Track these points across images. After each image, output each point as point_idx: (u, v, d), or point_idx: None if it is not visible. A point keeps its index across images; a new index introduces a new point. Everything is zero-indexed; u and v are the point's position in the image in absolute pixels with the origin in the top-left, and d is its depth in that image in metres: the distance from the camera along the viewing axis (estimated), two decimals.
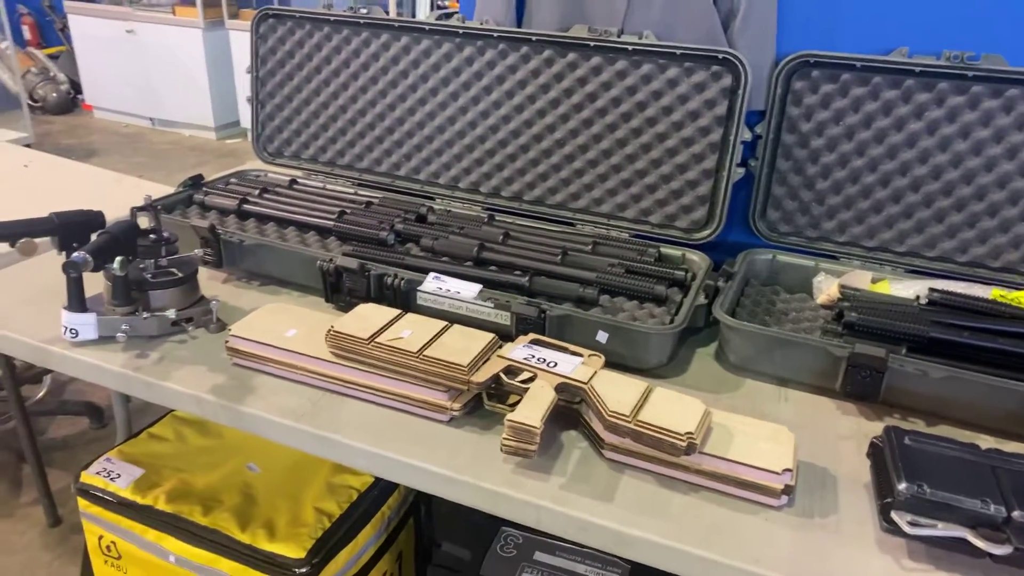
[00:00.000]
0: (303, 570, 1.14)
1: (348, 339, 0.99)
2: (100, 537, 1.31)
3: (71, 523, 1.73)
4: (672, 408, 0.88)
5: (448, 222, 1.41)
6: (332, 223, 1.38)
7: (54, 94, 5.57)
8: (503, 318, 1.13)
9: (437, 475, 0.89)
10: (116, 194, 1.83)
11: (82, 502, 1.30)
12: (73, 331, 1.08)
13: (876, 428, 1.00)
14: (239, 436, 1.42)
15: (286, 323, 1.08)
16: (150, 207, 1.14)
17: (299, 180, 1.60)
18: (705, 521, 0.83)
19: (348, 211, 1.43)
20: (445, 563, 1.14)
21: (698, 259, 1.29)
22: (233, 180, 1.58)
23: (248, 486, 1.30)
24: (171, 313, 1.12)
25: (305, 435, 0.96)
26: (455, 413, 0.96)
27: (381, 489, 1.31)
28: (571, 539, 0.85)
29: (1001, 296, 1.15)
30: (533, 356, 0.97)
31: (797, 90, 1.25)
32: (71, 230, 1.05)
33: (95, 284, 1.11)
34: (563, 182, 1.41)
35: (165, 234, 1.14)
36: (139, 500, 1.25)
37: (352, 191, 1.56)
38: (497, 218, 1.43)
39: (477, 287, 1.13)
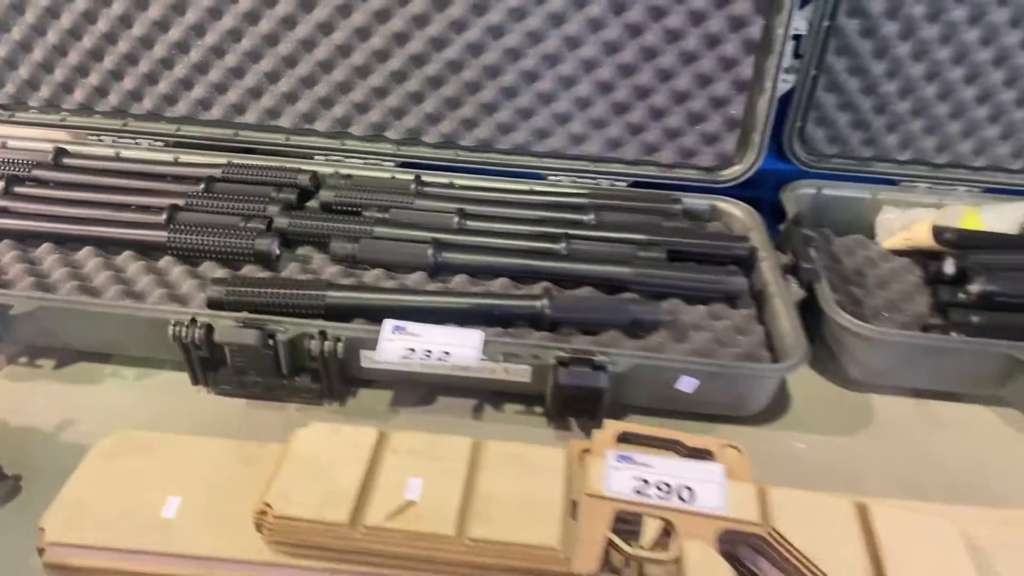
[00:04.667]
0: None
1: (311, 529, 0.52)
2: None
3: None
4: (917, 546, 0.53)
5: (355, 199, 0.89)
6: (162, 232, 0.81)
7: None
8: (517, 375, 0.70)
9: None
10: None
11: None
12: None
13: None
14: None
15: (151, 482, 0.58)
16: None
17: (69, 149, 0.96)
18: None
19: (181, 202, 0.86)
20: None
21: (740, 213, 0.92)
22: None
23: None
24: None
25: None
26: None
27: None
28: None
29: None
30: (647, 481, 0.56)
31: None
32: None
33: None
34: (522, 114, 0.93)
35: None
36: None
37: (168, 158, 0.97)
38: (424, 179, 0.94)
39: (479, 339, 0.68)
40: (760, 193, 0.99)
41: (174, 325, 0.68)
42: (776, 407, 0.75)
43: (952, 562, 0.52)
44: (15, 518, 0.61)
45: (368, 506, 0.53)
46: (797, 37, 0.88)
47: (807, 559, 0.52)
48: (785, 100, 0.93)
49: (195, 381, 0.73)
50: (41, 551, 0.55)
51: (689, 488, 0.56)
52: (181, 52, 0.93)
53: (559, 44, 0.88)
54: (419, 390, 0.75)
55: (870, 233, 0.97)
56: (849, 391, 0.79)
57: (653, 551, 0.53)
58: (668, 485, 0.56)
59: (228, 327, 0.67)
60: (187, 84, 0.95)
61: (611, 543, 0.53)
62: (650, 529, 0.54)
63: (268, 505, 0.52)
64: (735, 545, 0.56)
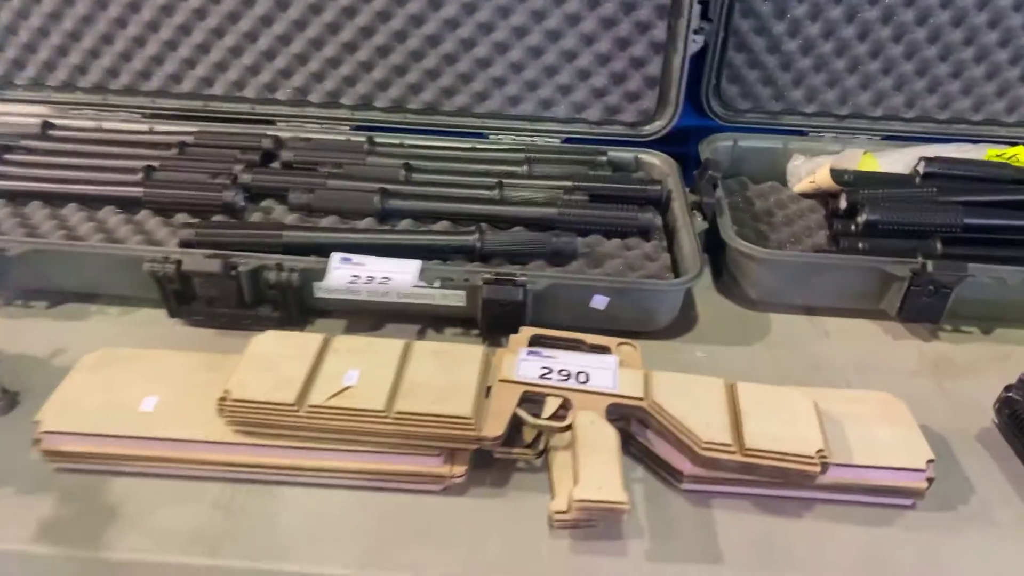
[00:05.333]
0: None
1: (264, 409, 0.62)
2: None
3: None
4: (774, 412, 0.63)
5: (312, 157, 0.99)
6: (139, 188, 0.91)
7: None
8: (453, 300, 0.80)
9: None
10: None
11: None
12: None
13: (940, 352, 0.84)
14: None
15: (132, 386, 0.67)
16: None
17: (54, 122, 1.06)
18: (840, 554, 0.62)
19: (156, 163, 0.96)
20: None
21: (659, 162, 1.02)
22: None
23: None
24: None
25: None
26: (457, 480, 0.64)
27: None
28: None
29: (998, 156, 1.01)
30: (550, 369, 0.67)
31: None
32: None
33: None
34: (462, 79, 1.03)
35: None
36: None
37: (145, 127, 1.06)
38: (376, 140, 1.04)
39: (416, 266, 0.78)
40: (687, 149, 1.09)
41: (149, 262, 0.78)
42: (684, 324, 0.86)
43: (801, 420, 0.63)
44: (15, 425, 0.70)
45: (312, 391, 0.63)
46: (704, 1, 0.98)
47: (677, 420, 0.62)
48: (700, 61, 1.03)
49: (171, 314, 0.82)
50: (37, 441, 0.65)
51: (585, 373, 0.67)
52: (152, 31, 1.03)
53: (492, 13, 0.98)
54: (369, 318, 0.85)
55: (783, 180, 1.07)
56: (751, 311, 0.89)
57: (551, 420, 0.64)
58: (567, 371, 0.67)
59: (196, 259, 0.77)
60: (159, 60, 1.05)
61: (516, 416, 0.64)
62: (550, 406, 0.65)
63: (228, 392, 0.62)
64: (628, 422, 0.67)
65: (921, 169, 0.99)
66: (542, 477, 0.67)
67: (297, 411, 0.62)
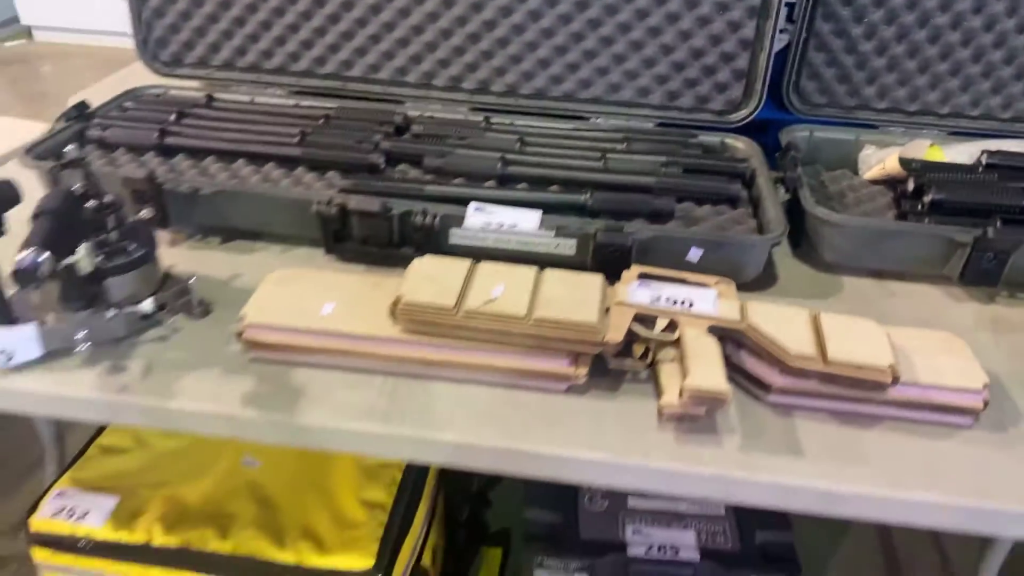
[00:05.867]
0: None
1: (428, 311, 0.76)
2: None
3: None
4: (852, 335, 0.75)
5: (439, 132, 1.14)
6: (297, 148, 1.08)
7: None
8: (565, 248, 0.93)
9: (598, 464, 0.72)
10: None
11: (40, 553, 1.00)
12: (6, 354, 0.76)
13: (997, 313, 0.94)
14: None
15: (312, 296, 0.82)
16: (77, 162, 0.80)
17: (217, 96, 1.24)
18: (906, 459, 0.73)
19: (308, 130, 1.12)
20: (536, 533, 0.99)
21: (743, 146, 1.14)
22: (129, 104, 1.19)
23: (257, 488, 1.06)
24: (147, 305, 0.81)
25: (404, 442, 0.74)
26: (579, 381, 0.78)
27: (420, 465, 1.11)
28: (770, 507, 0.73)
29: None
30: (660, 296, 0.80)
31: None
32: None
33: None
34: (570, 68, 1.18)
35: (108, 198, 0.81)
36: (127, 539, 0.97)
37: (291, 103, 1.23)
38: (491, 120, 1.19)
39: (537, 215, 0.92)
40: (766, 139, 1.22)
41: (317, 203, 0.93)
42: (766, 281, 0.97)
43: (875, 342, 0.74)
44: (212, 328, 0.86)
45: (465, 299, 0.77)
46: (791, 5, 1.11)
47: (770, 338, 0.74)
48: (782, 60, 1.16)
49: (328, 251, 0.98)
50: (239, 334, 0.80)
51: (689, 300, 0.79)
52: (305, 19, 1.20)
53: (600, 11, 1.12)
54: None
55: (854, 169, 1.19)
56: (825, 274, 1.00)
57: (661, 334, 0.77)
58: (674, 298, 0.79)
59: (359, 200, 0.92)
60: (308, 45, 1.22)
61: (631, 331, 0.77)
62: (659, 324, 0.78)
63: (400, 296, 0.77)
64: (724, 343, 0.79)
65: (984, 160, 1.10)
66: (647, 388, 0.79)
67: (455, 314, 0.76)
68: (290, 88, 1.25)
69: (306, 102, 1.23)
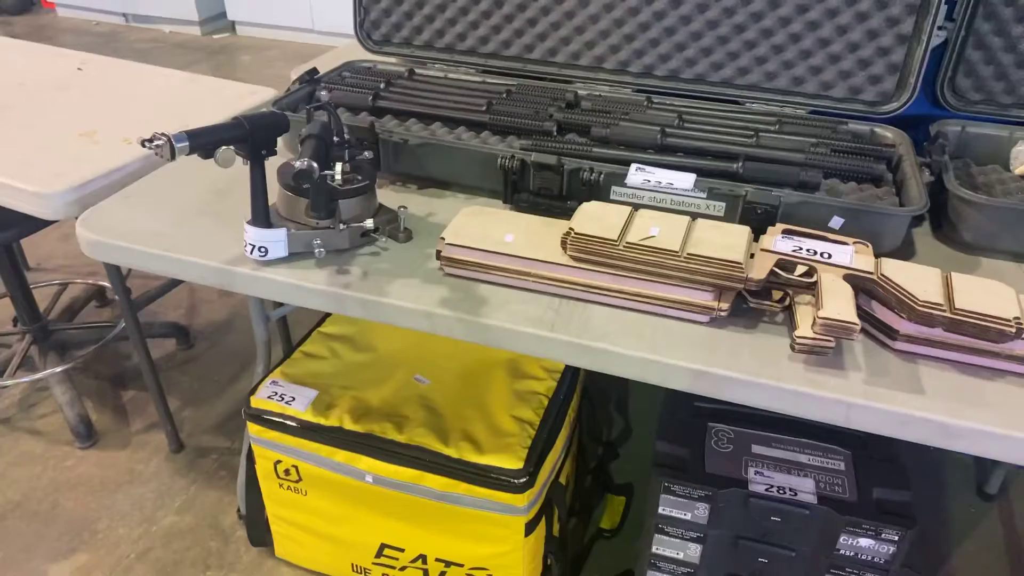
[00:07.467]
0: (522, 480, 1.10)
1: (595, 241, 0.91)
2: (277, 462, 1.25)
3: (192, 447, 1.67)
4: (981, 291, 0.83)
5: (606, 108, 1.29)
6: (485, 115, 1.26)
7: None
8: (715, 209, 1.05)
9: (734, 380, 0.84)
10: (197, 94, 1.64)
11: (253, 427, 1.24)
12: (262, 249, 0.98)
13: None
14: (394, 348, 1.35)
15: (497, 228, 0.99)
16: (327, 106, 1.01)
17: (417, 71, 1.45)
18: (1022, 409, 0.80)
19: (493, 101, 1.30)
20: (665, 462, 1.11)
21: (892, 135, 1.21)
22: (347, 73, 1.42)
23: (425, 399, 1.25)
24: (369, 223, 1.01)
25: (565, 346, 0.89)
26: (722, 313, 0.90)
27: (566, 392, 1.26)
28: (886, 434, 0.82)
29: None
30: (801, 248, 0.90)
31: None
32: (261, 136, 0.93)
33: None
34: (730, 56, 1.29)
35: (347, 136, 1.02)
36: (324, 422, 1.19)
37: (479, 79, 1.42)
38: (653, 99, 1.32)
39: (692, 177, 1.04)
40: (917, 135, 1.28)
41: (502, 158, 1.11)
42: (904, 253, 1.05)
43: (1003, 297, 0.81)
44: (413, 250, 1.05)
45: (627, 234, 0.91)
46: (951, 3, 1.17)
47: (902, 287, 0.83)
48: (938, 56, 1.22)
49: (505, 200, 1.15)
50: (438, 252, 0.98)
51: (828, 252, 0.89)
52: (497, 7, 1.39)
53: (764, 4, 1.23)
54: None
55: (1006, 166, 1.22)
56: (964, 254, 1.06)
57: (800, 278, 0.87)
58: (814, 250, 0.90)
59: (539, 154, 1.08)
60: (497, 30, 1.41)
61: (773, 271, 0.88)
62: (799, 270, 0.88)
63: (572, 228, 0.92)
64: (856, 295, 0.89)
65: None
66: (782, 329, 0.90)
67: (617, 245, 0.90)
68: (478, 67, 1.44)
69: (490, 79, 1.41)
